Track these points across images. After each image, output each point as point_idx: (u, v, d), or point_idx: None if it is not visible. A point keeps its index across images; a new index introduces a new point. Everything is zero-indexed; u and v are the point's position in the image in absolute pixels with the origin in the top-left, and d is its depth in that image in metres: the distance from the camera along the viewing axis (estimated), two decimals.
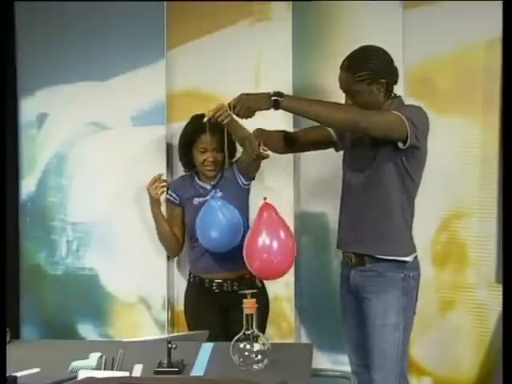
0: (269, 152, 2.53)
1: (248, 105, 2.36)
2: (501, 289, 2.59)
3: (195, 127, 2.84)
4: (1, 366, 1.82)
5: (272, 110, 2.36)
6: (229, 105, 2.40)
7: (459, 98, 2.87)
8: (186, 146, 2.91)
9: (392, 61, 2.47)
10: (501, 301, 2.54)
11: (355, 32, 3.01)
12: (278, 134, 2.69)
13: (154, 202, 2.93)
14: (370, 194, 2.47)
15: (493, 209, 2.85)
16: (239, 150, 2.89)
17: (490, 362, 2.89)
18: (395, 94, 2.50)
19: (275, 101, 2.32)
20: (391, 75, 2.46)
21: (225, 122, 2.53)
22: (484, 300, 2.90)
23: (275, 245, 2.41)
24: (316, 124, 2.53)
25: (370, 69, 2.40)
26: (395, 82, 2.48)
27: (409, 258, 2.46)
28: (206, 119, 2.52)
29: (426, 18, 2.91)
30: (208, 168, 2.86)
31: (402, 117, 2.32)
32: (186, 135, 2.91)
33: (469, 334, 2.93)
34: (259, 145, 2.50)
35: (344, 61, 2.46)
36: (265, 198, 2.45)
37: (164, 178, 2.95)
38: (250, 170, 2.88)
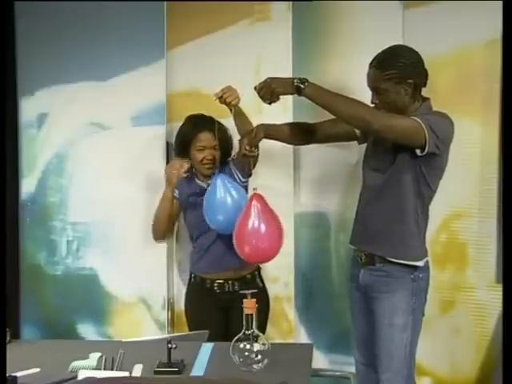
0: (256, 152, 2.50)
1: (273, 88, 2.34)
2: (501, 289, 2.59)
3: (192, 126, 2.84)
4: (1, 366, 1.81)
5: (269, 105, 2.38)
6: (255, 88, 2.38)
7: (459, 98, 2.86)
8: (183, 146, 2.88)
9: (422, 63, 2.42)
10: (501, 301, 2.55)
11: (355, 32, 3.01)
12: (290, 126, 2.64)
13: (170, 184, 2.90)
14: (385, 196, 2.45)
15: (493, 209, 2.85)
16: (235, 148, 2.88)
17: (489, 362, 2.89)
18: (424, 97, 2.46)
19: (297, 87, 2.31)
20: (420, 77, 2.41)
21: (233, 102, 2.54)
22: (484, 300, 2.89)
23: (263, 229, 2.40)
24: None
25: (399, 67, 2.36)
26: (424, 85, 2.43)
27: (419, 263, 2.44)
28: (215, 99, 2.55)
29: (426, 18, 2.90)
30: (206, 166, 2.84)
31: (422, 124, 2.28)
32: (183, 135, 2.88)
33: (469, 334, 2.93)
34: (247, 144, 2.45)
35: (374, 58, 2.42)
36: (254, 189, 2.46)
37: (186, 166, 2.90)
38: (243, 165, 2.83)
